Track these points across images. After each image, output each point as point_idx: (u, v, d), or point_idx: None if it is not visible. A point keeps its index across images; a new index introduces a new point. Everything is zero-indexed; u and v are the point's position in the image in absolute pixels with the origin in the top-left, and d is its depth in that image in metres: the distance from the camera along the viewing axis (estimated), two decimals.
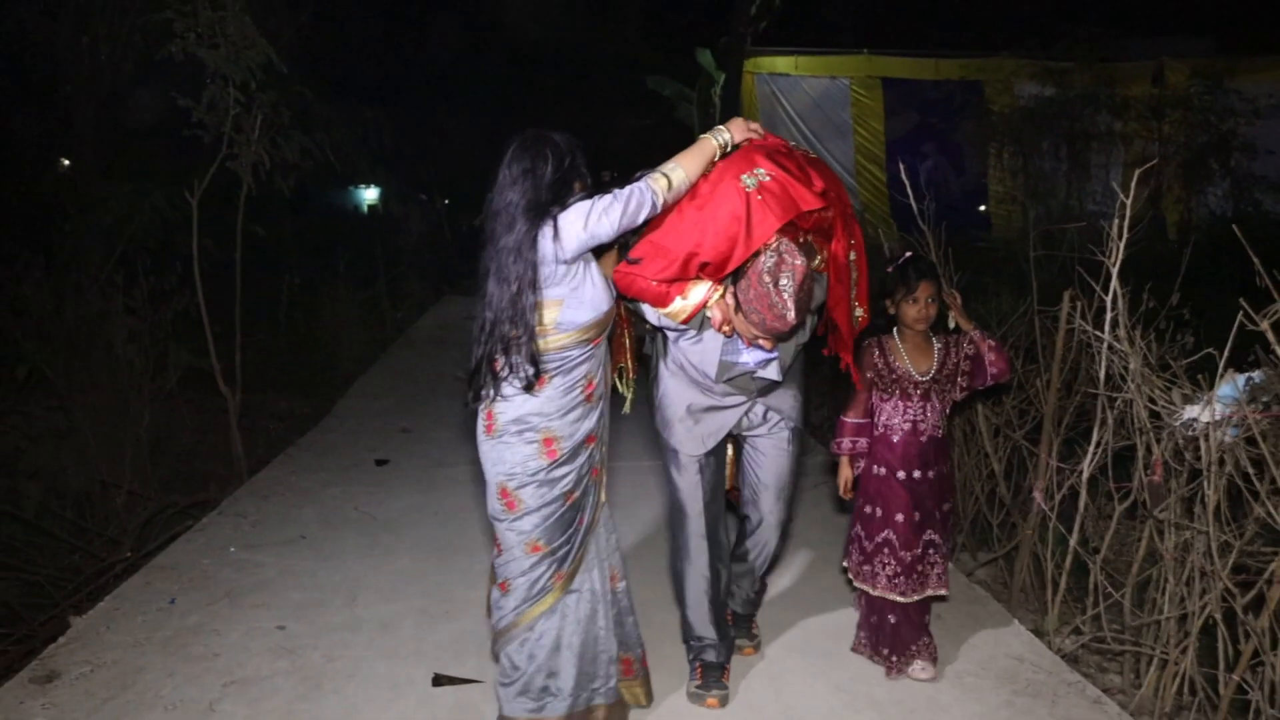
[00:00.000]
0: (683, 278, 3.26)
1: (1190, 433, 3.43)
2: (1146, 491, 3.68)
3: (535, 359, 3.13)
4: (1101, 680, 4.00)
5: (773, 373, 3.60)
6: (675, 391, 3.73)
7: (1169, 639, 3.58)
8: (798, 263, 3.12)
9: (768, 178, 3.19)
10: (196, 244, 7.23)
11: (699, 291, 3.30)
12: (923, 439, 3.87)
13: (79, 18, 10.27)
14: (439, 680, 3.93)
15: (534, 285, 3.08)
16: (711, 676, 3.80)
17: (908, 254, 3.98)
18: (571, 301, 3.16)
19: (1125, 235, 3.91)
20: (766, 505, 3.92)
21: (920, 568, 3.85)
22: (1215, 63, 12.67)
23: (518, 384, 3.16)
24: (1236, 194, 12.13)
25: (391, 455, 7.48)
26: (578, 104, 21.02)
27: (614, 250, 3.46)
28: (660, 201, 3.19)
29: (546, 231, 3.07)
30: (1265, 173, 12.03)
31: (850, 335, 3.65)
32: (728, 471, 4.02)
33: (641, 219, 3.18)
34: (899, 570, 3.83)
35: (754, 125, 3.49)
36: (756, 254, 3.16)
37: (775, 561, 4.17)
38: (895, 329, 3.92)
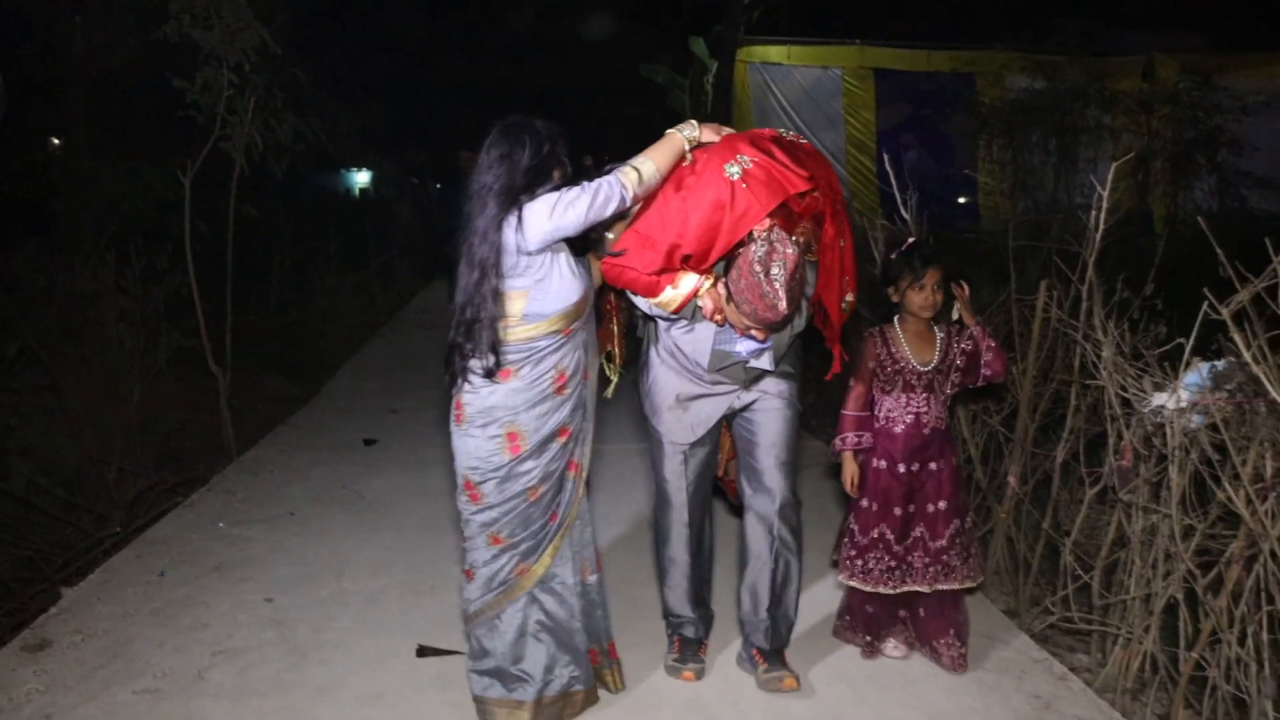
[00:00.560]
0: (668, 268, 3.25)
1: (1158, 419, 3.52)
2: (1115, 476, 3.78)
3: (495, 348, 3.13)
4: (1070, 659, 4.09)
5: (765, 363, 3.55)
6: (665, 379, 3.69)
7: (1134, 619, 3.67)
8: (789, 251, 3.08)
9: (751, 164, 3.17)
10: (189, 224, 7.29)
11: (689, 281, 3.29)
12: (925, 430, 3.80)
13: None
14: (423, 651, 4.01)
15: (497, 270, 3.08)
16: (689, 651, 3.87)
17: (912, 239, 3.91)
18: (537, 293, 3.16)
19: (1102, 228, 4.01)
20: (765, 462, 3.70)
21: (909, 558, 3.81)
22: (1205, 59, 12.74)
23: (481, 372, 3.18)
24: (1223, 189, 12.18)
25: (380, 436, 7.56)
26: (570, 90, 21.05)
27: (603, 242, 3.48)
28: (630, 195, 3.18)
29: (511, 220, 3.07)
30: (1251, 169, 12.09)
31: (839, 322, 3.61)
32: (721, 457, 3.98)
33: (609, 212, 3.17)
34: (892, 565, 3.81)
35: (726, 130, 3.47)
36: (746, 243, 3.14)
37: (792, 570, 3.79)
38: (897, 318, 3.86)
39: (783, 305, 3.08)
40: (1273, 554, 3.02)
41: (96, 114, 10.62)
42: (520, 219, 3.07)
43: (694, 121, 3.40)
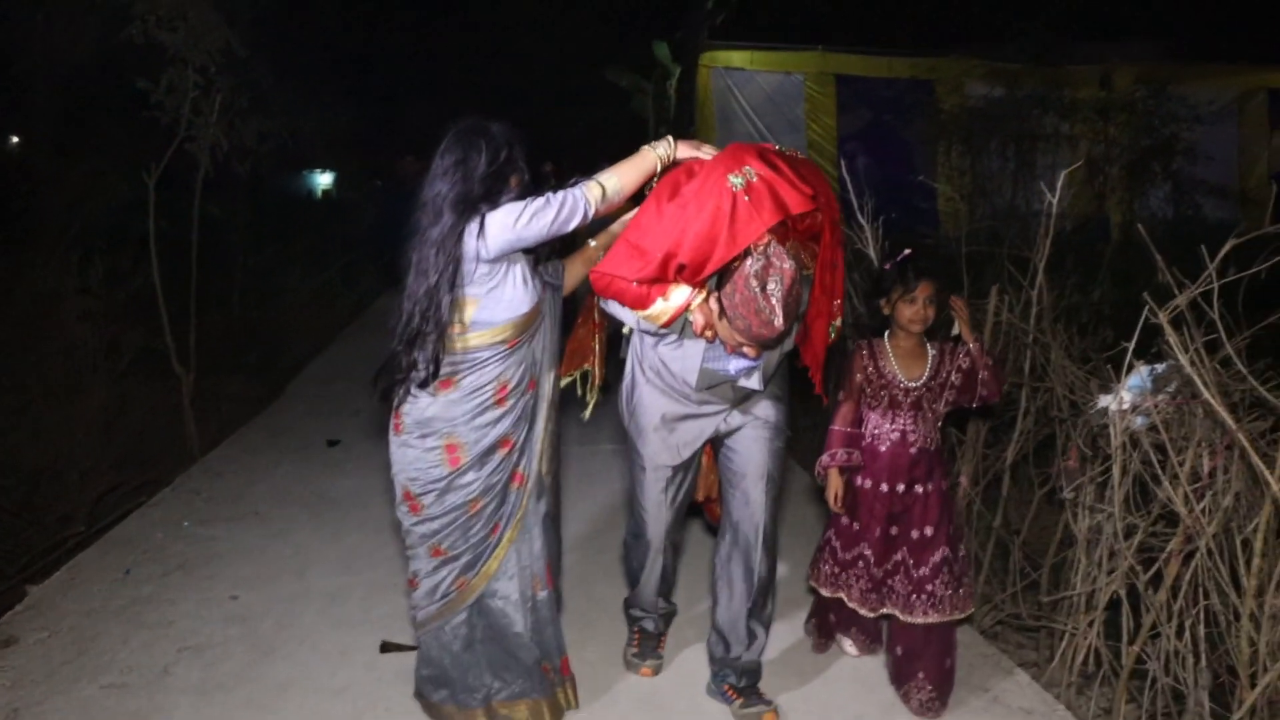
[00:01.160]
0: (661, 279, 3.12)
1: (1103, 421, 3.64)
2: (1062, 476, 3.89)
3: (438, 359, 3.08)
4: (1018, 655, 4.21)
5: (755, 383, 3.44)
6: (650, 399, 3.55)
7: (1079, 615, 3.79)
8: (786, 266, 2.97)
9: (756, 178, 3.03)
10: (153, 225, 7.29)
11: (681, 294, 3.17)
12: (912, 450, 3.66)
13: None
14: (386, 647, 4.08)
15: (453, 282, 3.02)
16: (648, 645, 3.93)
17: (907, 251, 3.76)
18: (487, 301, 3.09)
19: (1051, 234, 4.14)
20: (750, 491, 3.60)
21: (889, 582, 3.70)
22: (1161, 69, 12.95)
23: (418, 382, 3.12)
24: (1177, 197, 12.40)
25: (343, 436, 7.59)
26: (534, 93, 21.08)
27: (585, 248, 3.50)
28: (592, 210, 3.11)
29: (473, 228, 3.00)
30: (1205, 177, 12.32)
31: (824, 349, 3.53)
32: (705, 481, 3.91)
33: (571, 227, 3.10)
34: (869, 586, 3.71)
35: (706, 147, 3.33)
36: (742, 257, 3.00)
37: (768, 591, 3.76)
38: (887, 332, 3.73)
39: (779, 321, 2.97)
40: (1209, 550, 3.14)
41: (59, 114, 10.58)
42: (483, 226, 3.00)
43: (670, 138, 3.32)
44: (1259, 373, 3.12)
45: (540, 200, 3.04)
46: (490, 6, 20.18)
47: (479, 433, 3.20)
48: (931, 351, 3.69)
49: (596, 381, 3.84)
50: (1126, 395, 3.43)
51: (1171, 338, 3.01)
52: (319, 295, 13.45)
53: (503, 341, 3.16)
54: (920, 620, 3.61)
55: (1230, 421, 2.89)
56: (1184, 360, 2.96)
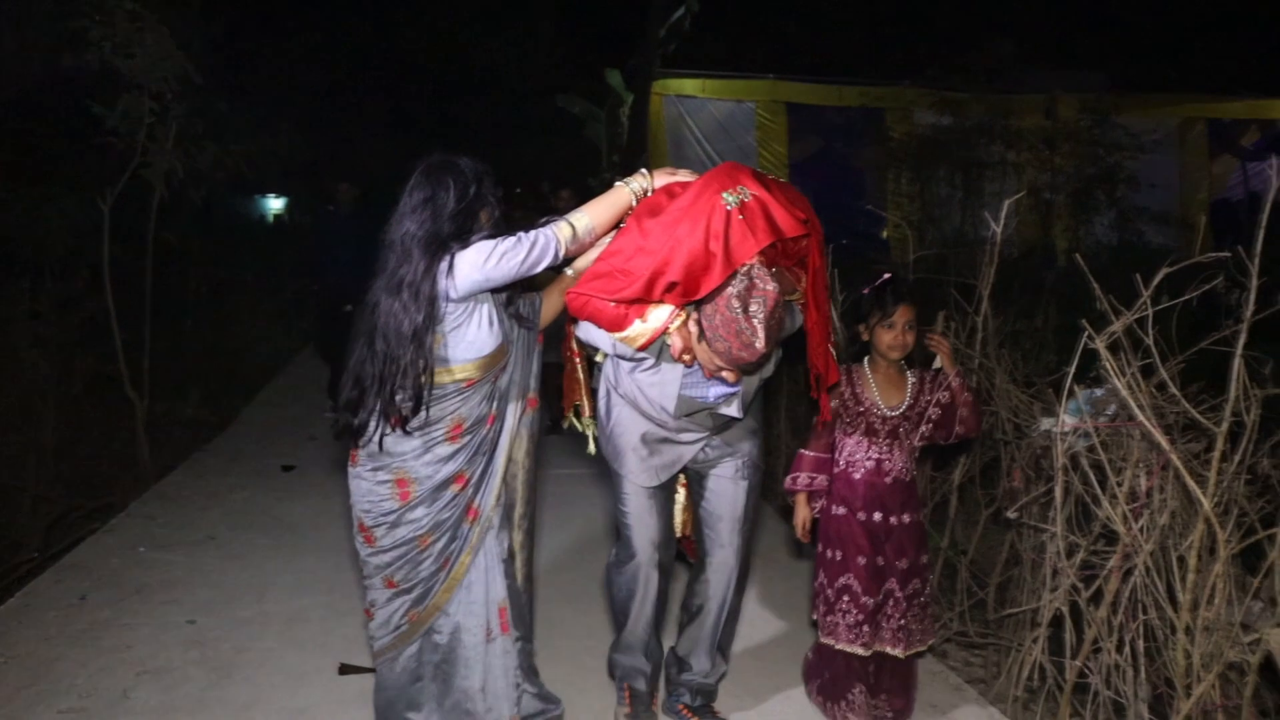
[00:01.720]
0: (645, 299, 3.00)
1: (1046, 443, 3.76)
2: (1006, 496, 4.01)
3: (419, 396, 3.00)
4: (966, 672, 4.30)
5: (734, 410, 3.37)
6: (628, 419, 3.46)
7: (1024, 632, 3.90)
8: (769, 288, 2.87)
9: (750, 197, 2.97)
10: (108, 251, 7.29)
11: (660, 315, 3.05)
12: (887, 479, 3.61)
13: None
14: (344, 669, 4.11)
15: (430, 324, 2.95)
16: (640, 705, 3.72)
17: (886, 275, 3.69)
18: (449, 340, 3.03)
19: (995, 262, 4.27)
20: (724, 534, 3.59)
21: (878, 617, 3.61)
22: (1104, 98, 13.21)
23: (387, 421, 3.02)
24: (1121, 224, 12.63)
25: (298, 462, 7.59)
26: (488, 121, 21.15)
27: (562, 278, 3.39)
28: (563, 250, 3.04)
29: (443, 268, 2.93)
30: (1148, 204, 12.57)
31: (831, 378, 3.44)
32: (681, 519, 3.83)
33: (542, 267, 3.02)
34: (861, 618, 3.58)
35: (683, 172, 3.27)
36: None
37: (734, 620, 3.81)
38: (866, 358, 3.68)
39: (760, 344, 2.87)
40: (1147, 567, 3.25)
41: (10, 137, 10.51)
42: (452, 265, 2.93)
43: (645, 171, 3.24)
44: (1193, 396, 3.24)
45: (511, 240, 2.97)
46: (443, 34, 20.23)
47: (430, 469, 3.13)
48: (911, 379, 3.65)
49: (586, 413, 3.75)
50: (1067, 418, 3.55)
51: (1108, 362, 3.13)
52: (272, 320, 13.43)
53: (462, 379, 3.09)
54: (894, 651, 3.62)
55: (1164, 443, 3.01)
56: (1120, 384, 3.07)
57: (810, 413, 3.69)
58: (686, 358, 3.13)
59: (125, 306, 7.63)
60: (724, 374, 3.12)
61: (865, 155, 14.06)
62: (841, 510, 3.65)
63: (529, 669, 3.47)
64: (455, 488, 3.17)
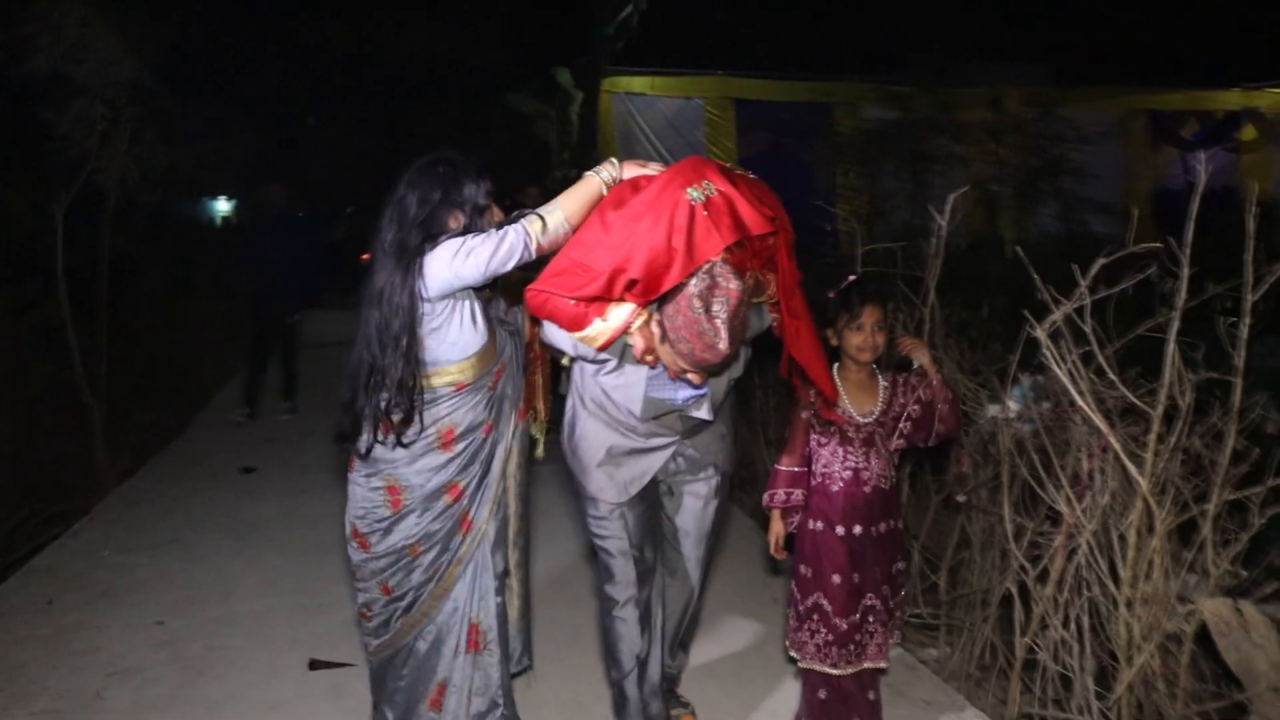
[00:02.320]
0: (606, 297, 2.86)
1: (993, 429, 3.90)
2: (955, 480, 4.14)
3: (411, 398, 3.02)
4: (921, 653, 4.43)
5: (704, 412, 3.27)
6: (593, 433, 3.33)
7: (975, 612, 4.04)
8: (732, 286, 2.75)
9: (716, 193, 2.83)
10: (61, 256, 7.27)
11: (620, 314, 2.91)
12: (866, 489, 3.40)
13: None
14: (315, 665, 4.19)
15: (408, 328, 2.98)
16: None
17: (852, 276, 3.56)
18: (431, 341, 3.06)
19: (941, 254, 4.40)
20: (688, 549, 3.58)
21: (858, 637, 3.40)
22: (1048, 92, 13.43)
23: (378, 428, 3.06)
24: (1066, 215, 12.83)
25: (258, 464, 7.64)
26: (438, 120, 21.10)
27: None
28: (535, 246, 2.99)
29: (414, 271, 2.96)
30: (1092, 195, 12.78)
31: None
32: None
33: (512, 265, 2.99)
34: (830, 639, 3.39)
35: (653, 165, 3.18)
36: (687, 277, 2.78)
37: (696, 621, 3.86)
38: (836, 364, 3.49)
39: (723, 345, 2.74)
40: (1090, 546, 3.39)
41: None
42: (422, 268, 2.96)
43: (614, 160, 3.18)
44: (1131, 380, 3.38)
45: (479, 238, 2.97)
46: (390, 33, 20.16)
47: (421, 477, 3.14)
48: (883, 384, 3.48)
49: (542, 417, 3.68)
50: (1012, 404, 3.68)
51: (1049, 350, 3.25)
52: (225, 322, 13.38)
53: (451, 383, 3.12)
54: (879, 665, 3.48)
55: (1104, 427, 3.15)
56: (1060, 371, 3.20)
57: (783, 422, 3.66)
58: (650, 359, 3.00)
59: (78, 311, 7.61)
60: (689, 375, 2.98)
61: (814, 150, 14.19)
62: (818, 525, 3.44)
63: (503, 688, 3.39)
64: (448, 499, 3.18)
